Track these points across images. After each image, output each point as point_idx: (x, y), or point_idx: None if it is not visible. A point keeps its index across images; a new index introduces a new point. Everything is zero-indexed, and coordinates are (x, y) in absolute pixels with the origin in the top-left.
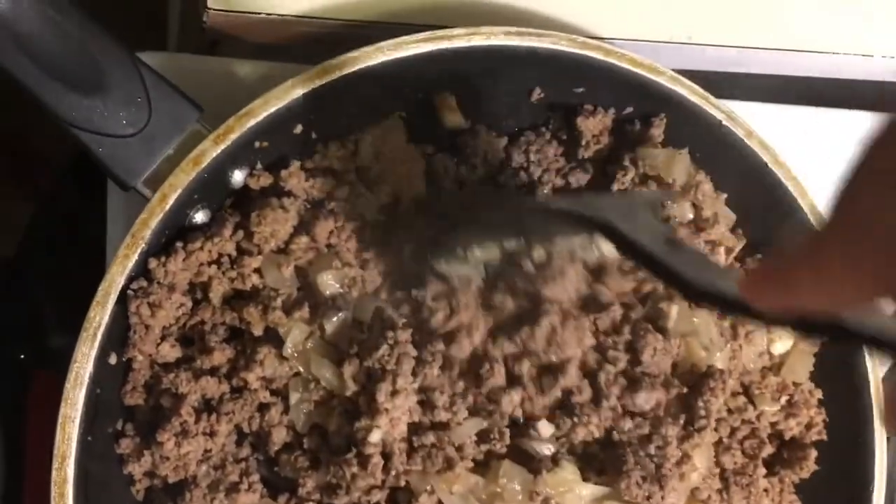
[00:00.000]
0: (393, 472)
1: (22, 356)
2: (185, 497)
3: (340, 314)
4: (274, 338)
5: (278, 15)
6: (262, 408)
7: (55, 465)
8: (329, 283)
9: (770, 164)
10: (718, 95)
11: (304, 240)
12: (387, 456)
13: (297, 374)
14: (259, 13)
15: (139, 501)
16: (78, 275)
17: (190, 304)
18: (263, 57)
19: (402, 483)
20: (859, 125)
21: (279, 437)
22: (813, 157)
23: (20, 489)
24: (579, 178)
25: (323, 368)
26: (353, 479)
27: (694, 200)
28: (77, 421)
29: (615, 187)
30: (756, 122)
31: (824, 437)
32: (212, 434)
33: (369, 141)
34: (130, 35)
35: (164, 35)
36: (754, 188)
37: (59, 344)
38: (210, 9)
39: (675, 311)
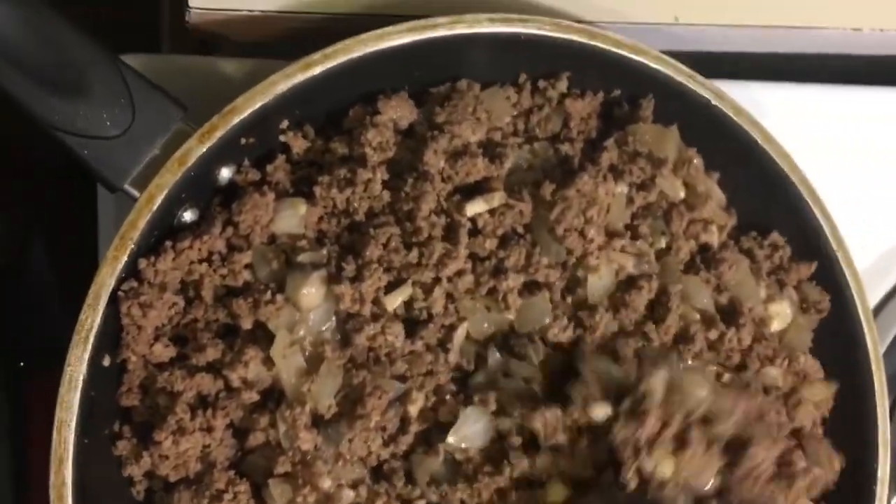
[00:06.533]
0: None
1: (21, 363)
2: (182, 496)
3: None
4: (265, 338)
5: (260, 11)
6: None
7: (52, 468)
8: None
9: (760, 141)
10: (708, 75)
11: None
12: None
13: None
14: (240, 10)
15: (139, 502)
16: (75, 275)
17: (182, 303)
18: (253, 55)
19: None
20: (850, 100)
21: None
22: (804, 133)
23: (28, 495)
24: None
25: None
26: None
27: (686, 178)
28: (73, 424)
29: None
30: (746, 100)
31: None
32: (209, 430)
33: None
34: (123, 39)
35: (157, 39)
36: (745, 165)
37: (57, 345)
38: (192, 8)
39: None
